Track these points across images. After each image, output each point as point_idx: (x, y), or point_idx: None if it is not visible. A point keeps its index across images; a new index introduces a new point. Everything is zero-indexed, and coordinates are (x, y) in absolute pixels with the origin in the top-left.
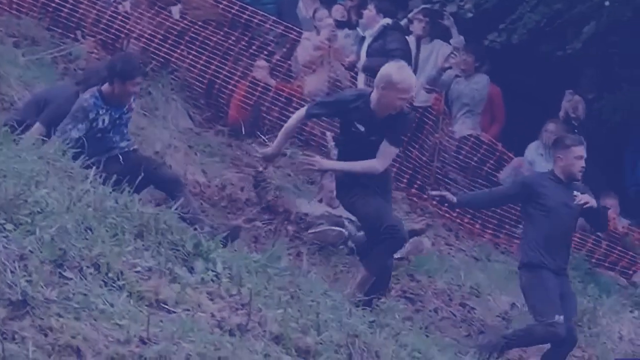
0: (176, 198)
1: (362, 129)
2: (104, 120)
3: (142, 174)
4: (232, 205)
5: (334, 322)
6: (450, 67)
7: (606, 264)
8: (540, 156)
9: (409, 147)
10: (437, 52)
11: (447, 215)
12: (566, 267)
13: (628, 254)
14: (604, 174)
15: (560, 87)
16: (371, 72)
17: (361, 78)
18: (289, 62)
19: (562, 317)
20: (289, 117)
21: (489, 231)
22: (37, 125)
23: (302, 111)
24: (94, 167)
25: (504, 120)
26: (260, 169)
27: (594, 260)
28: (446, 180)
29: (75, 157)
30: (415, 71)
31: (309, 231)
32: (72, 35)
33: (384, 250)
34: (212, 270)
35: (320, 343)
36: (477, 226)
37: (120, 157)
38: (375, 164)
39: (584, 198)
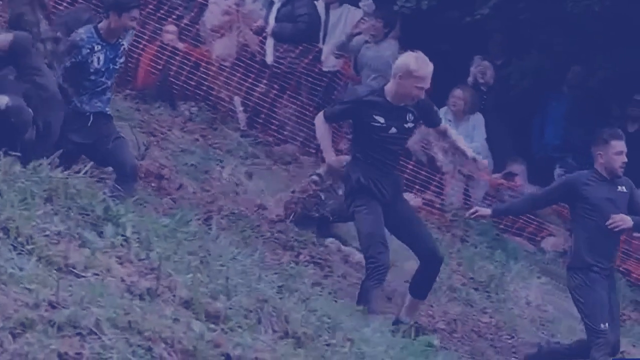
0: (116, 185)
1: (382, 120)
2: (99, 59)
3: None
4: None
5: (243, 287)
6: (359, 33)
7: (514, 230)
8: (448, 122)
9: (317, 113)
10: (347, 18)
11: None
12: (613, 266)
13: (536, 220)
14: (512, 139)
15: (469, 52)
16: (280, 37)
17: (270, 43)
18: (197, 26)
19: (607, 325)
20: (196, 81)
21: None
22: None
23: (321, 117)
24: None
25: None
26: None
27: (501, 227)
28: None
29: None
30: (324, 37)
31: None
32: None
33: (367, 280)
34: (122, 235)
35: (230, 308)
36: None
37: (91, 117)
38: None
39: (617, 221)
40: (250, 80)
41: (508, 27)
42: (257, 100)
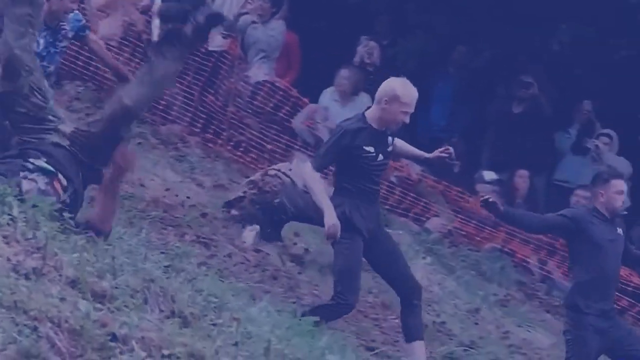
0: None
1: (371, 150)
2: (38, 43)
3: None
4: None
5: (129, 267)
6: (246, 13)
7: (399, 210)
8: (334, 102)
9: (203, 92)
10: None
11: (241, 160)
12: (613, 307)
13: (421, 200)
14: None
15: (356, 33)
16: (166, 17)
17: (155, 23)
18: (83, 5)
19: None
20: (83, 61)
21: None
22: None
23: (309, 169)
24: None
25: (300, 67)
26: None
27: (387, 207)
28: (241, 125)
29: None
30: None
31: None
32: None
33: (328, 309)
34: (8, 214)
35: (116, 287)
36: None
37: None
38: None
39: None
40: (136, 60)
41: (394, 8)
42: None
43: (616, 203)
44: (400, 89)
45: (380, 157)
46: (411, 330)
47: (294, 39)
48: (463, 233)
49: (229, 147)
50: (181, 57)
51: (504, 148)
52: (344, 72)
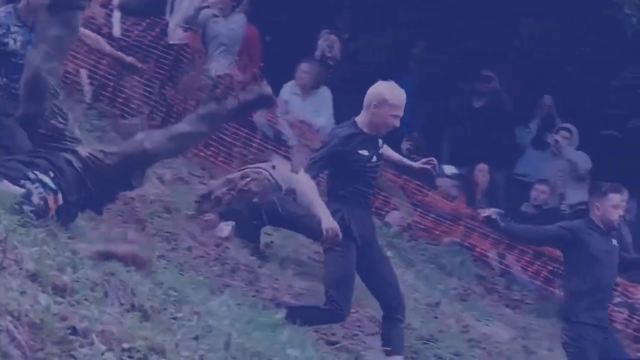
0: None
1: (366, 152)
2: (15, 40)
3: None
4: None
5: (89, 260)
6: (207, 6)
7: None
8: (295, 96)
9: (164, 85)
10: None
11: (201, 153)
12: (607, 317)
13: (381, 194)
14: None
15: (317, 27)
16: (126, 10)
17: (117, 16)
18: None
19: None
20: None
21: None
22: None
23: (305, 177)
24: None
25: (260, 60)
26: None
27: None
28: None
29: None
30: (171, 10)
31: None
32: None
33: (319, 313)
34: None
35: (77, 281)
36: (232, 164)
37: None
38: None
39: None
40: (96, 53)
41: (355, 2)
42: (103, 74)
43: (612, 216)
44: (388, 92)
45: (374, 159)
46: (391, 345)
47: (255, 32)
48: (422, 227)
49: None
50: (216, 127)
51: (464, 142)
52: (304, 66)
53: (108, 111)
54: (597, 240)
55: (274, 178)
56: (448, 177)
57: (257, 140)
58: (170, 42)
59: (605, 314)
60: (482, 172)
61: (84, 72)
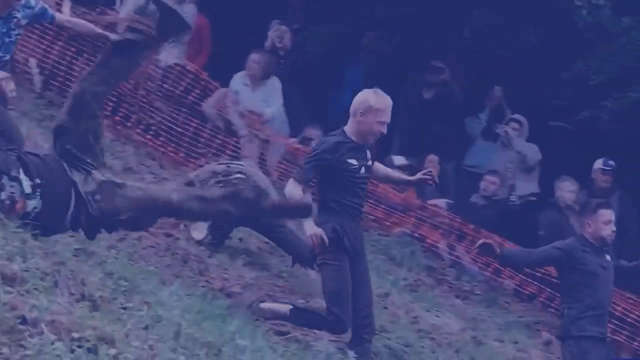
0: None
1: (354, 162)
2: None
3: None
4: None
5: (39, 250)
6: None
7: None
8: (245, 86)
9: None
10: None
11: (150, 143)
12: (606, 333)
13: None
14: (309, 104)
15: (267, 17)
16: None
17: (67, 4)
18: None
19: None
20: None
21: (192, 160)
22: None
23: (294, 184)
24: None
25: (210, 50)
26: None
27: None
28: (150, 108)
29: None
30: (121, 0)
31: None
32: None
33: (322, 320)
34: None
35: (26, 270)
36: (181, 155)
37: None
38: None
39: None
40: (46, 42)
41: None
42: (53, 63)
43: (604, 232)
44: (373, 99)
45: (363, 170)
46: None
47: (205, 22)
48: (372, 218)
49: (139, 131)
50: (238, 211)
51: (414, 133)
52: (254, 56)
53: (58, 100)
54: (592, 257)
55: (252, 178)
56: (398, 168)
57: (207, 131)
58: (120, 32)
59: (606, 330)
60: (432, 163)
61: (33, 61)
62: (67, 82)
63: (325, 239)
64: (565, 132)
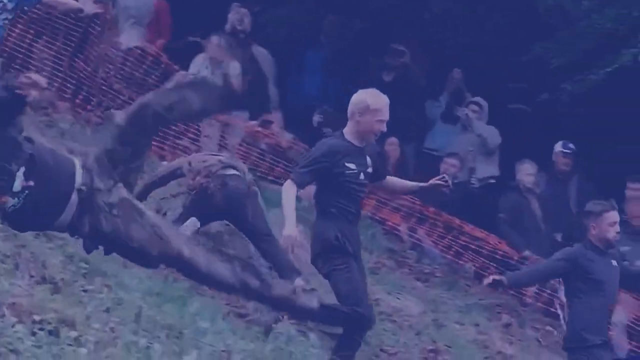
0: None
1: (353, 167)
2: None
3: None
4: None
5: (1, 232)
6: None
7: (271, 178)
8: (205, 69)
9: (73, 58)
10: None
11: None
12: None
13: (290, 167)
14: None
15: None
16: None
17: None
18: None
19: None
20: None
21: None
22: None
23: (290, 184)
24: None
25: (170, 33)
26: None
27: (258, 174)
28: (110, 91)
29: None
30: None
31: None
32: None
33: (348, 330)
34: None
35: None
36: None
37: None
38: None
39: None
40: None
41: None
42: (12, 46)
43: (609, 235)
44: (370, 98)
45: (362, 176)
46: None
47: (164, 5)
48: None
49: (99, 113)
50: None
51: None
52: (214, 39)
53: (17, 83)
54: (598, 264)
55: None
56: None
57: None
58: (81, 14)
59: (607, 335)
60: (392, 146)
61: None
62: (26, 65)
63: (296, 244)
64: (525, 114)
